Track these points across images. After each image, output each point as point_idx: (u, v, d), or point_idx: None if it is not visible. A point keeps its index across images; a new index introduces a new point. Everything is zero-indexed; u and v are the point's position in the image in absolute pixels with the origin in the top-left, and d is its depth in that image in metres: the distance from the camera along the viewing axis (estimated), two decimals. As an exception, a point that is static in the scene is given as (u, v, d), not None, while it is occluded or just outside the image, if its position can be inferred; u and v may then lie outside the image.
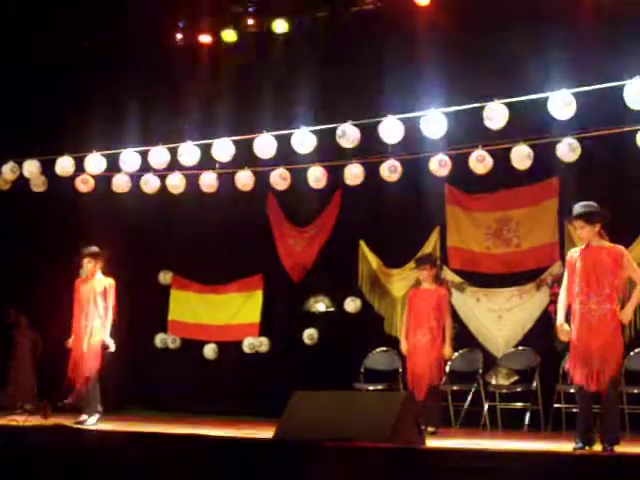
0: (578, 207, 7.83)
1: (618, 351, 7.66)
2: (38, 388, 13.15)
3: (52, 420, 9.39)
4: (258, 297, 13.23)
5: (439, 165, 10.86)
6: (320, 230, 12.76)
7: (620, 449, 7.29)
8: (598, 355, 7.55)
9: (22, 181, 12.54)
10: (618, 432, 7.56)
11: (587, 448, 7.42)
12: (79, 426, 9.02)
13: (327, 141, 11.06)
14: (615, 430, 7.53)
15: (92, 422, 9.85)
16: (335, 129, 10.89)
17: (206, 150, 11.68)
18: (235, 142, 11.54)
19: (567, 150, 10.11)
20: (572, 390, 8.51)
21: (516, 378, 10.91)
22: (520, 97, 9.95)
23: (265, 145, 11.28)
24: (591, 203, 7.83)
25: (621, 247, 7.86)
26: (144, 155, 11.98)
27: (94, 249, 10.35)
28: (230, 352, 13.05)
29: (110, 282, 10.26)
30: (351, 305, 12.29)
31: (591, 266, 7.69)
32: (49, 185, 12.60)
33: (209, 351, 13.24)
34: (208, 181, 11.99)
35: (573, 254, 7.87)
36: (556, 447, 7.93)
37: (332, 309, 12.61)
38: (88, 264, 10.33)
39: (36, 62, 12.97)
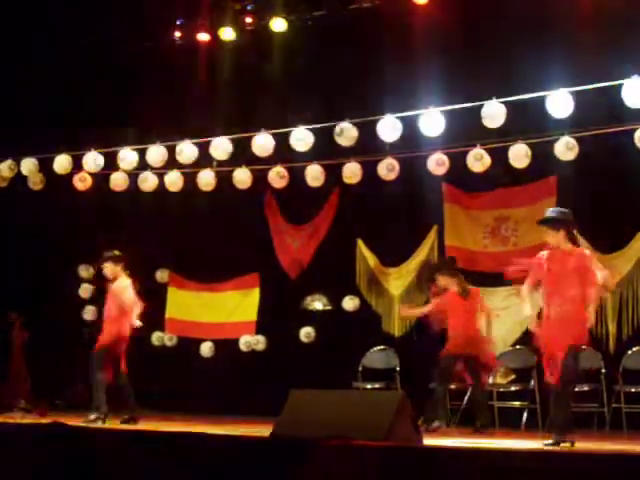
0: (547, 212, 8.07)
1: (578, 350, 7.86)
2: (33, 386, 13.16)
3: (49, 418, 9.38)
4: (255, 295, 13.22)
5: (437, 163, 10.86)
6: (317, 228, 12.75)
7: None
8: (562, 353, 7.68)
9: (20, 179, 12.55)
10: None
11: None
12: (90, 425, 9.03)
13: (325, 139, 11.07)
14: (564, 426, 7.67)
15: (92, 418, 9.87)
16: (333, 127, 10.90)
17: (204, 148, 11.68)
18: (233, 140, 11.55)
19: (565, 149, 10.12)
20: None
21: (513, 377, 10.91)
22: (518, 96, 9.96)
23: (263, 143, 11.28)
24: (559, 209, 8.09)
25: (586, 250, 8.14)
26: (142, 153, 11.98)
27: (113, 253, 10.38)
28: (227, 350, 13.04)
29: (124, 283, 10.29)
30: (349, 303, 12.28)
31: (558, 270, 7.85)
32: (47, 183, 12.60)
33: (206, 349, 13.22)
34: (206, 179, 11.99)
35: (542, 255, 8.00)
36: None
37: (329, 307, 12.60)
38: (106, 268, 10.35)
39: (35, 60, 12.96)
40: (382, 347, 11.81)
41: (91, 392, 9.99)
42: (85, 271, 13.41)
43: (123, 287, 10.16)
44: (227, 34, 12.28)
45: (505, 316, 11.30)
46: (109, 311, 10.19)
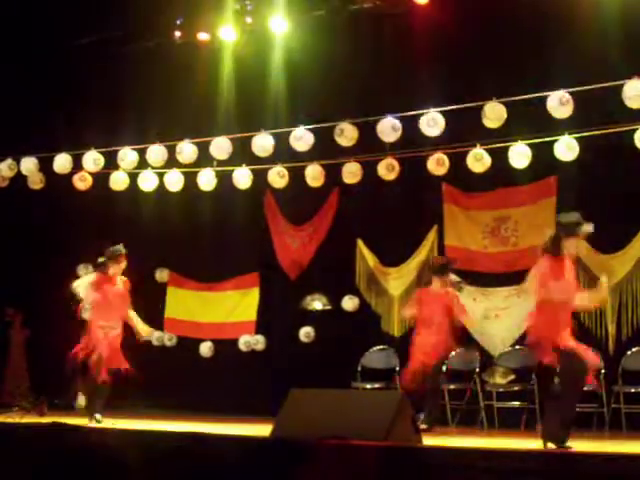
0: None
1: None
2: (32, 385, 13.16)
3: (48, 417, 9.39)
4: (254, 295, 13.21)
5: (437, 164, 10.86)
6: (317, 228, 12.74)
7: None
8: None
9: (20, 178, 12.55)
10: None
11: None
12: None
13: (325, 139, 11.07)
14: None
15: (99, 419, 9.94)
16: (333, 127, 10.90)
17: (204, 148, 11.68)
18: (233, 140, 11.54)
19: (565, 149, 10.12)
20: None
21: (513, 377, 10.89)
22: (518, 96, 9.96)
23: (263, 143, 11.28)
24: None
25: None
26: (142, 152, 11.98)
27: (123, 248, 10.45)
28: (226, 350, 13.02)
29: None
30: (349, 303, 12.26)
31: (569, 277, 7.82)
32: (47, 182, 12.60)
33: (205, 349, 13.21)
34: (206, 179, 11.99)
35: (553, 263, 7.84)
36: (552, 446, 7.92)
37: (329, 307, 12.58)
38: (122, 263, 10.42)
39: (35, 60, 12.96)
40: (382, 347, 11.81)
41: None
42: (85, 270, 13.39)
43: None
44: (227, 34, 12.27)
45: (505, 316, 11.30)
46: (118, 311, 10.34)
